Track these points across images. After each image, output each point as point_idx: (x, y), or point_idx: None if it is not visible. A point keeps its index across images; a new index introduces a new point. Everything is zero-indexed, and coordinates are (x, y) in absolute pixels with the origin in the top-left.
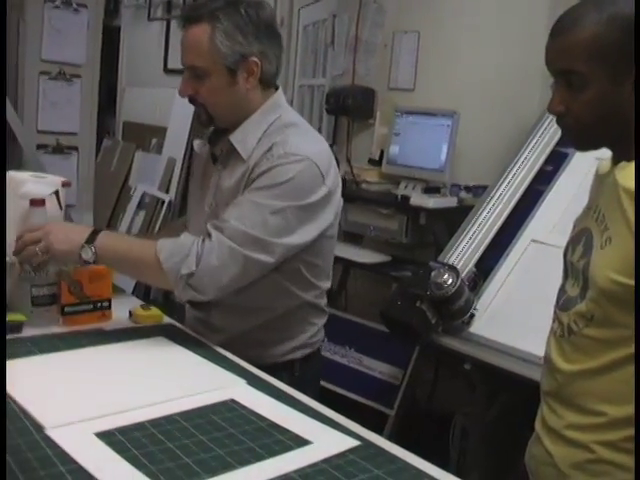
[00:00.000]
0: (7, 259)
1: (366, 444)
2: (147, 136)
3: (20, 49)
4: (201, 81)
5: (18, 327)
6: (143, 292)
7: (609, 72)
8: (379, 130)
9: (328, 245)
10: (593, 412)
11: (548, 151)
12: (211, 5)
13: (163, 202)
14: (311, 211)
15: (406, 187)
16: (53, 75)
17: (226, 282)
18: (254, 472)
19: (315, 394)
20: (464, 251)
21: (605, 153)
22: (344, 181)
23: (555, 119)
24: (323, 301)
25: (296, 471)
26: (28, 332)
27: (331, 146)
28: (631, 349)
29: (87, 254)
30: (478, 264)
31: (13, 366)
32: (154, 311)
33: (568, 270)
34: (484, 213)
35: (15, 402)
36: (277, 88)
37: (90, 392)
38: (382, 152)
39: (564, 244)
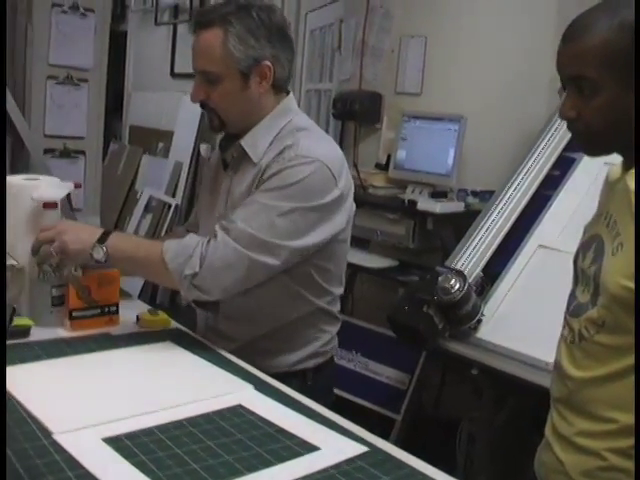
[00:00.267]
0: (15, 263)
1: (374, 450)
2: (154, 140)
3: (28, 53)
4: (213, 86)
5: (25, 332)
6: (149, 296)
7: (620, 78)
8: (386, 135)
9: (340, 250)
10: (604, 419)
11: (555, 156)
12: (223, 9)
13: (170, 206)
14: (321, 213)
15: (413, 192)
16: (60, 79)
17: (230, 283)
18: (262, 478)
19: (328, 404)
20: (471, 256)
21: (614, 158)
22: None
23: (566, 124)
24: (336, 308)
25: (304, 477)
26: (37, 336)
27: None
28: None
29: (99, 253)
30: (485, 269)
31: (21, 371)
32: (161, 316)
33: (578, 276)
34: (491, 218)
35: (22, 407)
36: (288, 92)
37: (97, 397)
38: (389, 157)
39: (572, 249)
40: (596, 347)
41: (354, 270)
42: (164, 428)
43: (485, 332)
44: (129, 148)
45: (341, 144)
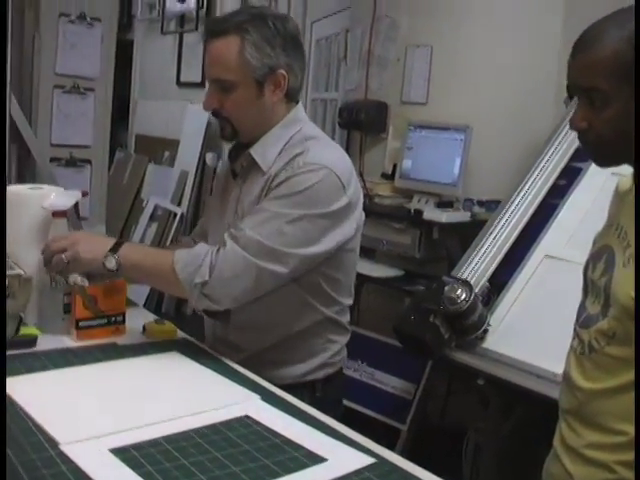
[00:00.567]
0: (22, 272)
1: (381, 461)
2: (159, 149)
3: (35, 63)
4: (227, 94)
5: (32, 342)
6: (155, 305)
7: (631, 89)
8: (392, 144)
9: (349, 259)
10: (614, 431)
11: (562, 165)
12: (237, 18)
13: (175, 215)
14: (330, 220)
15: (419, 201)
16: (67, 89)
17: (240, 292)
18: None
19: (337, 416)
20: (477, 266)
21: (621, 169)
22: None
23: (577, 135)
24: (345, 318)
25: None
26: (43, 346)
27: None
28: None
29: (111, 263)
30: (491, 279)
31: (27, 381)
32: (168, 326)
33: (588, 287)
34: (497, 228)
35: (29, 417)
36: (297, 102)
37: (104, 408)
38: (395, 166)
39: (578, 259)
40: (606, 359)
41: (360, 280)
42: (171, 439)
43: (491, 342)
44: (135, 157)
45: (347, 153)
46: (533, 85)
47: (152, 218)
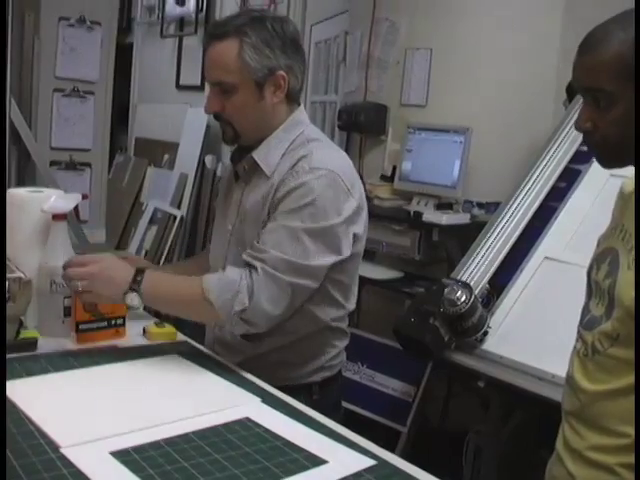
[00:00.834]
0: (22, 275)
1: (382, 463)
2: (159, 152)
3: (35, 66)
4: (228, 97)
5: (33, 344)
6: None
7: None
8: (391, 146)
9: (353, 261)
10: (617, 433)
11: (561, 168)
12: (237, 21)
13: (175, 218)
14: (345, 225)
15: (418, 203)
16: (67, 92)
17: (279, 313)
18: None
19: (337, 419)
20: (477, 268)
21: (621, 170)
22: None
23: (582, 136)
24: (345, 323)
25: None
26: (44, 349)
27: None
28: None
29: (133, 301)
30: (491, 281)
31: (28, 384)
32: (168, 328)
33: (592, 289)
34: (497, 230)
35: (30, 421)
36: (299, 104)
37: (105, 410)
38: (394, 168)
39: (577, 261)
40: (610, 360)
41: (360, 282)
42: (171, 441)
43: (491, 344)
44: (134, 160)
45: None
46: (532, 87)
47: (152, 221)
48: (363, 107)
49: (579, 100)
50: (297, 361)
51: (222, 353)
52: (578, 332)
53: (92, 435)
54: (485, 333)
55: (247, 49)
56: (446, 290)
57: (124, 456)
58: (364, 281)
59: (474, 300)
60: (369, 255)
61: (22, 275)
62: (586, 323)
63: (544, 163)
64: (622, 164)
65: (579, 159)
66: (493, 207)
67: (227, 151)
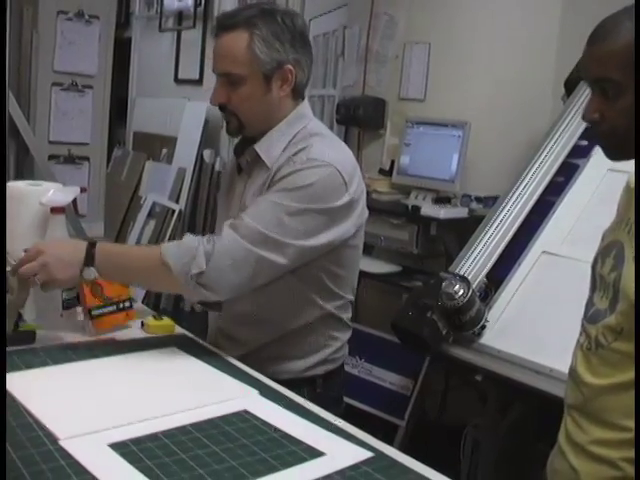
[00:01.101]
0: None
1: (379, 455)
2: (157, 146)
3: (33, 60)
4: (235, 88)
5: (32, 337)
6: (153, 302)
7: None
8: (390, 140)
9: (351, 255)
10: (619, 427)
11: (559, 162)
12: (247, 13)
13: (173, 212)
14: (330, 216)
15: (417, 197)
16: (65, 86)
17: (238, 282)
18: None
19: (339, 413)
20: (475, 262)
21: (619, 165)
22: None
23: (590, 126)
24: (346, 314)
25: None
26: (42, 342)
27: None
28: None
29: (89, 275)
30: (489, 275)
31: (27, 377)
32: (166, 321)
33: (597, 282)
34: (495, 224)
35: (29, 413)
36: (303, 98)
37: (103, 403)
38: (393, 162)
39: (575, 255)
40: (613, 354)
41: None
42: (169, 433)
43: (489, 338)
44: (133, 154)
45: None
46: (531, 82)
47: (150, 215)
48: (361, 101)
49: (577, 95)
50: (299, 354)
51: (225, 345)
52: (582, 326)
53: (90, 427)
54: (483, 327)
55: (257, 41)
56: (444, 284)
57: (122, 448)
58: (362, 275)
59: (472, 294)
60: (367, 249)
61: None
62: (590, 317)
63: (542, 157)
64: (629, 156)
65: (577, 153)
66: (491, 201)
67: (225, 145)
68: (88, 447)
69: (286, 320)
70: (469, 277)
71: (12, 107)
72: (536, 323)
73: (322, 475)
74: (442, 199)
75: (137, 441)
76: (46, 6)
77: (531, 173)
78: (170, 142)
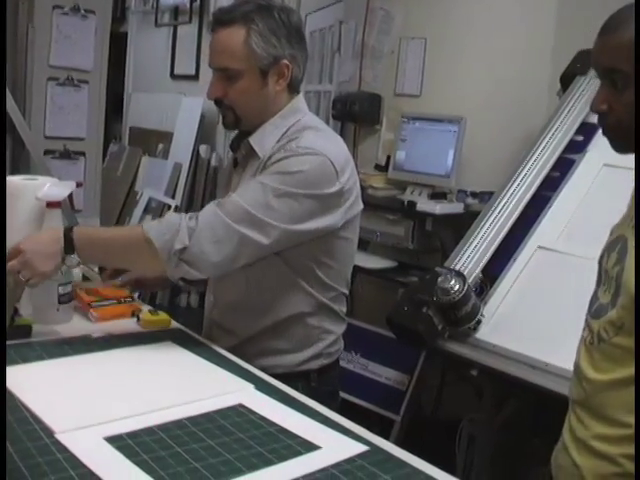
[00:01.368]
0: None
1: (375, 449)
2: (153, 141)
3: (29, 55)
4: (232, 83)
5: (28, 331)
6: (149, 297)
7: None
8: (385, 136)
9: (343, 247)
10: (620, 424)
11: (555, 157)
12: (244, 8)
13: (169, 207)
14: (317, 203)
15: (412, 193)
16: (61, 81)
17: (220, 258)
18: (263, 477)
19: (334, 407)
20: (471, 257)
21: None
22: None
23: (597, 117)
24: (340, 307)
25: (305, 476)
26: (38, 336)
27: None
28: None
29: (72, 262)
30: (485, 270)
31: (23, 371)
32: (162, 316)
33: (602, 277)
34: (491, 219)
35: (25, 407)
36: (299, 93)
37: (99, 397)
38: (388, 158)
39: (571, 251)
40: (615, 349)
41: (353, 271)
42: (165, 427)
43: (484, 333)
44: (129, 149)
45: None
46: (527, 77)
47: (146, 210)
48: (357, 97)
49: (573, 90)
50: (293, 347)
51: (218, 336)
52: (586, 320)
53: (86, 421)
54: (478, 322)
55: (254, 36)
56: (439, 279)
57: (118, 441)
58: (358, 270)
59: (467, 289)
60: (363, 244)
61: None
62: (594, 311)
63: (538, 152)
64: (633, 149)
65: (573, 149)
66: (487, 196)
67: (221, 141)
68: (84, 440)
69: (277, 308)
70: (465, 272)
71: (8, 102)
72: (532, 318)
73: (317, 468)
74: (438, 194)
75: (133, 435)
76: (42, 0)
77: (527, 168)
78: (166, 137)
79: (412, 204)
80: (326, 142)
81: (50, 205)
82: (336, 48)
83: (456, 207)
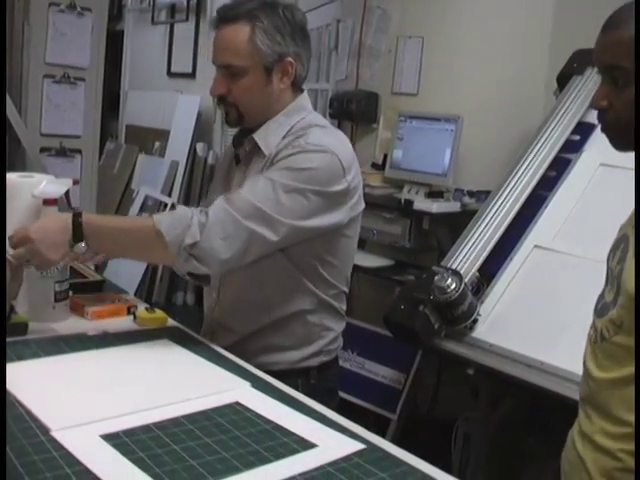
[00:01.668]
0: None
1: (371, 447)
2: (150, 139)
3: (25, 52)
4: (236, 80)
5: (24, 328)
6: (145, 295)
7: None
8: (382, 134)
9: (346, 246)
10: (621, 421)
11: (552, 157)
12: (248, 5)
13: (166, 205)
14: (326, 200)
15: (409, 191)
16: (57, 78)
17: (229, 254)
18: (260, 475)
19: (333, 405)
20: (467, 256)
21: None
22: None
23: (597, 114)
24: (341, 304)
25: (302, 474)
26: (34, 334)
27: None
28: None
29: (80, 249)
30: (481, 269)
31: (19, 368)
32: (158, 314)
33: (608, 276)
34: (487, 218)
35: (21, 404)
36: (302, 91)
37: (95, 394)
38: (385, 156)
39: (567, 250)
40: (615, 348)
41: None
42: (161, 425)
43: (481, 332)
44: (125, 147)
45: None
46: (524, 76)
47: (143, 208)
48: (354, 95)
49: (570, 89)
50: (293, 344)
51: (219, 334)
52: (593, 319)
53: (82, 418)
54: (475, 321)
55: (259, 33)
56: (436, 278)
57: (114, 439)
58: (354, 269)
59: (464, 288)
60: (360, 243)
61: (11, 259)
62: (599, 310)
63: (534, 152)
64: (632, 147)
65: (569, 148)
66: (483, 196)
67: (218, 139)
68: (80, 438)
69: (279, 305)
70: (461, 271)
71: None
72: (528, 317)
73: (314, 466)
74: (435, 193)
75: (129, 432)
76: None
77: (523, 167)
78: (163, 135)
79: (409, 203)
80: (334, 140)
81: (47, 202)
82: (333, 46)
83: (453, 206)
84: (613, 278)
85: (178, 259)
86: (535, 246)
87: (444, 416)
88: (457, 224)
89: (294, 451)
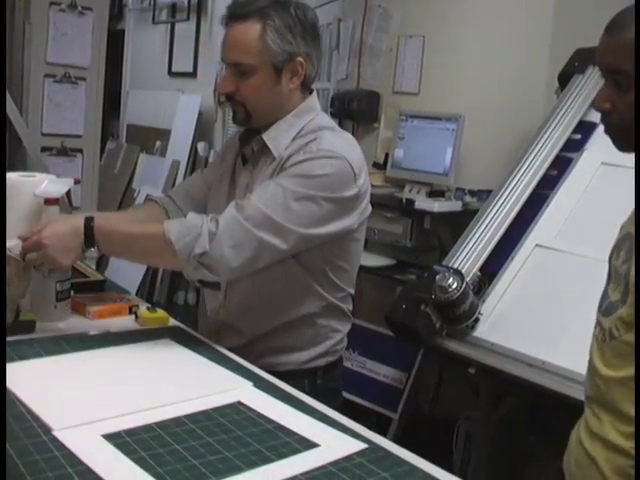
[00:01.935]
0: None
1: (373, 447)
2: (151, 139)
3: (25, 52)
4: (245, 78)
5: (31, 326)
6: (147, 294)
7: None
8: (384, 134)
9: (356, 249)
10: (630, 419)
11: (553, 156)
12: (259, 3)
13: None
14: (336, 206)
15: (410, 191)
16: (58, 78)
17: (239, 263)
18: (262, 474)
19: (337, 405)
20: (469, 255)
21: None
22: None
23: (600, 116)
24: (348, 306)
25: (303, 474)
26: (36, 334)
27: None
28: None
29: (91, 254)
30: (483, 268)
31: (21, 368)
32: (160, 313)
33: (611, 274)
34: (489, 217)
35: (22, 404)
36: (312, 91)
37: (97, 394)
38: (386, 156)
39: (568, 249)
40: (625, 346)
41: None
42: (163, 425)
43: (482, 331)
44: (126, 146)
45: None
46: (525, 75)
47: None
48: (356, 94)
49: (571, 88)
50: (301, 345)
51: (225, 335)
52: (597, 318)
53: (84, 418)
54: (476, 320)
55: (270, 32)
56: (438, 277)
57: (116, 439)
58: None
59: (465, 287)
60: None
61: (19, 258)
62: (604, 309)
63: (536, 151)
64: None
65: (571, 147)
66: (485, 195)
67: (219, 138)
68: (82, 438)
69: (288, 309)
70: (463, 270)
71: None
72: (529, 316)
73: (316, 466)
74: (436, 192)
75: (131, 432)
76: None
77: (525, 167)
78: (164, 135)
79: (410, 202)
80: (345, 143)
81: (48, 202)
82: (334, 46)
83: (454, 205)
84: (618, 277)
85: (187, 267)
86: (536, 245)
87: (445, 415)
88: (458, 223)
89: (296, 451)
